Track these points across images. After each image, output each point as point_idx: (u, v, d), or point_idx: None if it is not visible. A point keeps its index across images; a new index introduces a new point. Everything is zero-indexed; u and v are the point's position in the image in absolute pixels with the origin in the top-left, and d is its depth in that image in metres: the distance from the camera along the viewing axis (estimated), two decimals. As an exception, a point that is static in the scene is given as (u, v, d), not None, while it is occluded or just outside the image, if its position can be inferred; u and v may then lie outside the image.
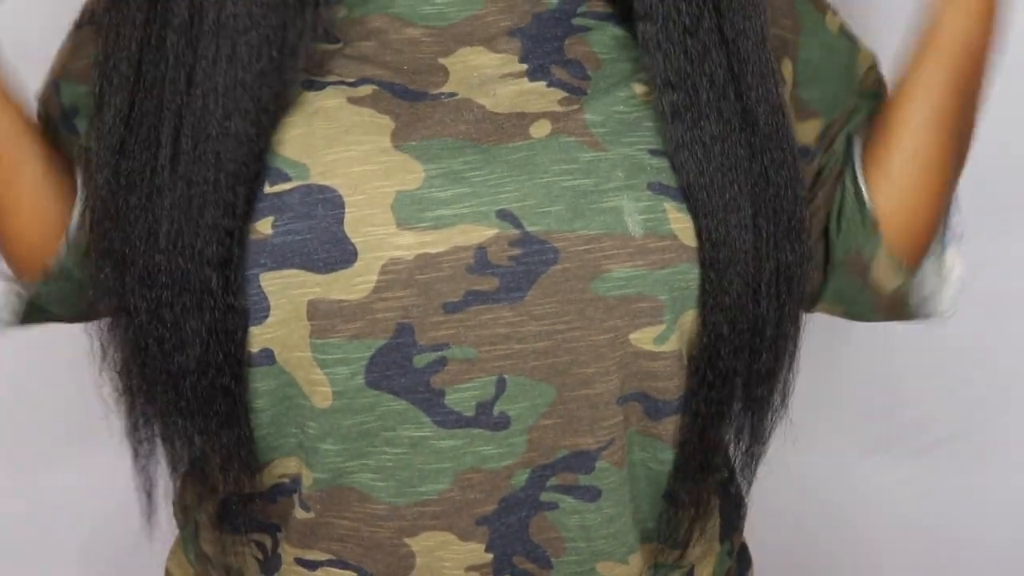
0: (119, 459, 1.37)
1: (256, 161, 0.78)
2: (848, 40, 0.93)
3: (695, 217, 0.79)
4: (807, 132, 0.90)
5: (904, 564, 1.64)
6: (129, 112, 0.80)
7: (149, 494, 0.87)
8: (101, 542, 1.43)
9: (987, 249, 1.42)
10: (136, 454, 0.86)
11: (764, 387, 0.85)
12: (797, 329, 0.86)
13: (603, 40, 0.84)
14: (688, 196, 0.79)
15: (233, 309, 0.78)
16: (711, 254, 0.79)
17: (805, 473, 1.51)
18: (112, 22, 0.82)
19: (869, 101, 0.94)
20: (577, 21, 0.84)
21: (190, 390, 0.80)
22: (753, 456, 0.89)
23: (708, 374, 0.82)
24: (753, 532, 1.03)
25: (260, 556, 0.89)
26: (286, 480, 0.85)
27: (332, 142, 0.78)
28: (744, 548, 1.01)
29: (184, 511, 0.96)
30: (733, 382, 0.83)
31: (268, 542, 0.88)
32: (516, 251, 0.78)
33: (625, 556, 0.85)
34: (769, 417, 0.87)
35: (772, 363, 0.84)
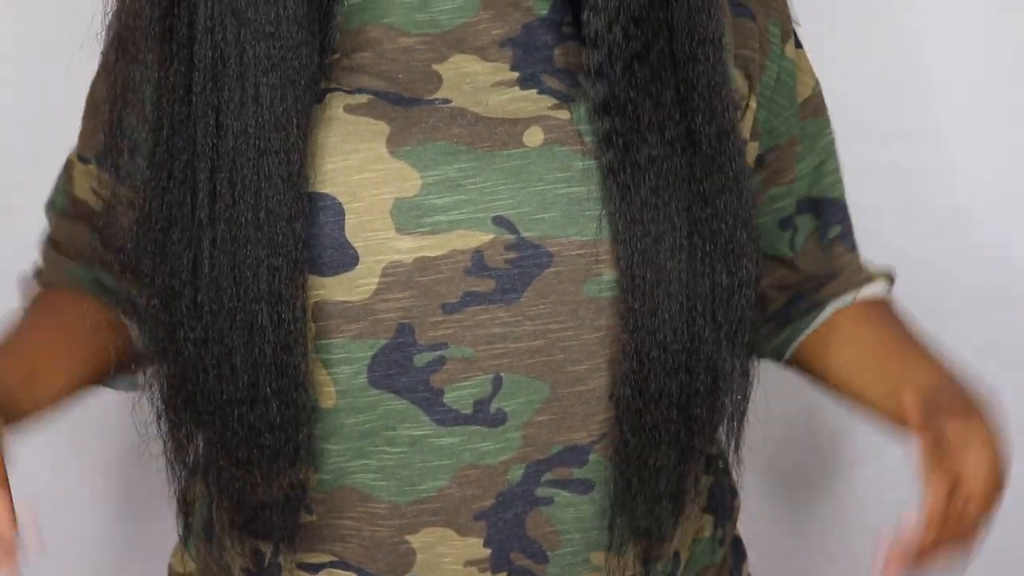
0: (119, 459, 1.38)
1: (299, 200, 0.79)
2: (793, 66, 0.93)
3: (617, 245, 0.80)
4: (749, 153, 0.91)
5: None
6: (156, 149, 0.81)
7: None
8: (100, 542, 1.44)
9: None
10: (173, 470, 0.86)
11: (703, 406, 0.83)
12: (741, 350, 0.84)
13: None
14: (611, 223, 0.80)
15: (287, 348, 0.79)
16: (631, 278, 0.80)
17: (804, 473, 1.51)
18: (123, 61, 0.83)
19: (810, 134, 0.95)
20: (566, 29, 0.85)
21: (237, 422, 0.80)
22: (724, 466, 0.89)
23: (637, 399, 0.81)
24: (752, 529, 1.04)
25: (252, 566, 0.90)
26: (297, 490, 0.85)
27: (330, 151, 0.81)
28: (738, 541, 1.02)
29: (187, 506, 0.97)
30: (667, 405, 0.82)
31: (267, 550, 0.89)
32: (512, 255, 0.80)
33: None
34: (724, 435, 0.87)
35: (710, 384, 0.83)
